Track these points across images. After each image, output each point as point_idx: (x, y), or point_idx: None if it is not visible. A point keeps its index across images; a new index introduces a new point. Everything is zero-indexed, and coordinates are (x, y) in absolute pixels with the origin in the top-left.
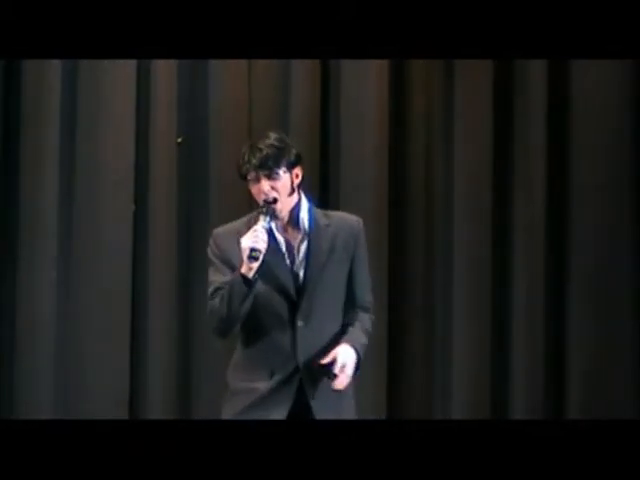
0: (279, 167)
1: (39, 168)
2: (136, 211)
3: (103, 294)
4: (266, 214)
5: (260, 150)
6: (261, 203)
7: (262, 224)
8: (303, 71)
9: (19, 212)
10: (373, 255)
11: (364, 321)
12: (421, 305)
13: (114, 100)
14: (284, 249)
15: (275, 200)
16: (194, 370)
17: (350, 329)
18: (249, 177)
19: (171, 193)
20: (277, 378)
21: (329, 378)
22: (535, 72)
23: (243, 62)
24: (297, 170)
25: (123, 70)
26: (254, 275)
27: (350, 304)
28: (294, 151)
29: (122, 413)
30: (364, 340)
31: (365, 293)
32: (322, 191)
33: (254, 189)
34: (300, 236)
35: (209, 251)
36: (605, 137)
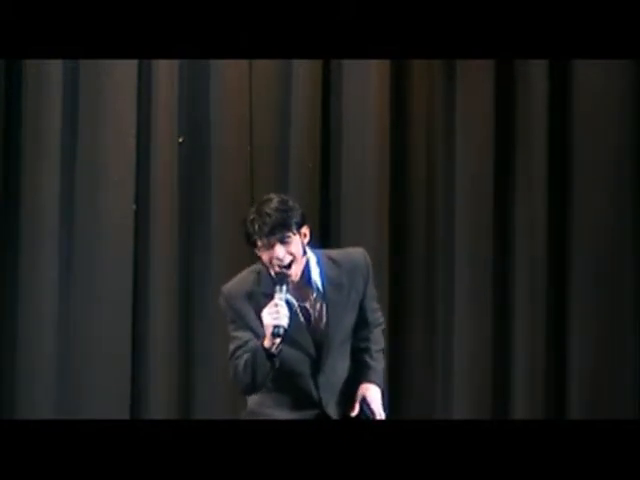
0: (290, 230)
1: (40, 168)
2: (137, 211)
3: (104, 294)
4: (281, 284)
5: (269, 215)
6: (275, 269)
7: (280, 296)
8: (304, 71)
9: (20, 212)
10: (373, 255)
11: (378, 340)
12: (422, 305)
13: (115, 100)
14: (298, 310)
15: (290, 265)
16: (195, 370)
17: (367, 360)
18: (260, 244)
19: (172, 193)
20: (300, 414)
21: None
22: (536, 72)
23: (244, 62)
24: (304, 229)
25: (124, 70)
26: (277, 348)
27: (363, 325)
28: (299, 211)
29: (123, 413)
30: (382, 365)
31: (376, 313)
32: (323, 191)
33: (265, 255)
34: (313, 295)
35: (222, 307)
36: (606, 137)
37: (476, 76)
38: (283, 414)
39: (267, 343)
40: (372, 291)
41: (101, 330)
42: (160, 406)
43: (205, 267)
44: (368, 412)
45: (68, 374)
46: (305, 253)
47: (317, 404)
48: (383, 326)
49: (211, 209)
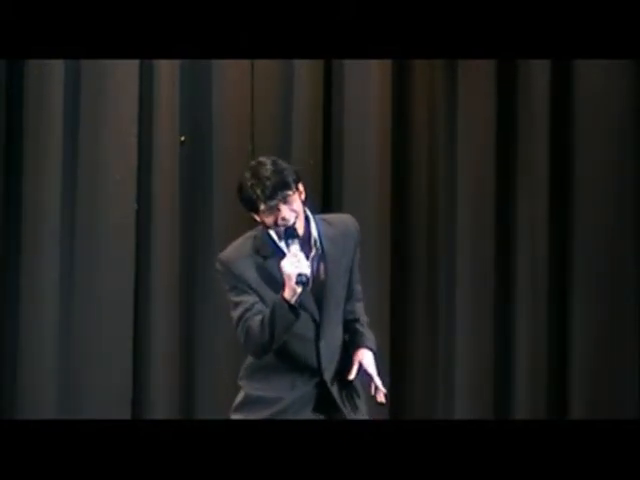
0: (290, 189)
1: (42, 168)
2: (138, 210)
3: (105, 294)
4: (294, 238)
5: (268, 178)
6: (281, 230)
7: (295, 247)
8: (306, 71)
9: (21, 212)
10: (375, 255)
11: (362, 313)
12: (424, 305)
13: (117, 100)
14: None
15: (294, 222)
16: (197, 370)
17: (359, 328)
18: (263, 207)
19: (174, 192)
20: (300, 390)
21: (372, 395)
22: (538, 72)
23: (246, 62)
24: (300, 187)
25: (126, 70)
26: (297, 300)
27: (349, 295)
28: (293, 169)
29: (125, 413)
30: (372, 335)
31: (359, 284)
32: (324, 190)
33: (270, 219)
34: (313, 253)
35: (222, 277)
36: (607, 137)
37: (477, 76)
38: (281, 387)
39: (288, 294)
40: (358, 259)
41: (102, 330)
42: (161, 406)
43: (206, 267)
44: (365, 377)
45: (69, 374)
46: (304, 210)
47: (316, 371)
48: (362, 302)
49: (212, 209)
